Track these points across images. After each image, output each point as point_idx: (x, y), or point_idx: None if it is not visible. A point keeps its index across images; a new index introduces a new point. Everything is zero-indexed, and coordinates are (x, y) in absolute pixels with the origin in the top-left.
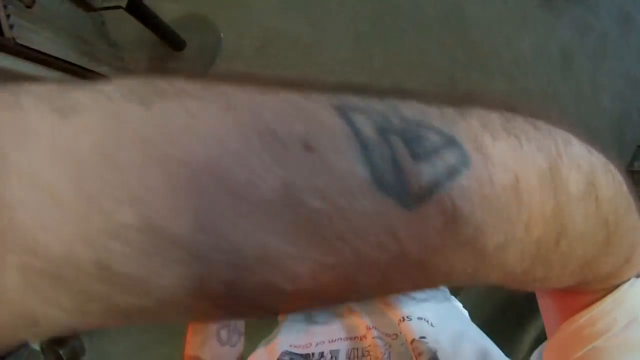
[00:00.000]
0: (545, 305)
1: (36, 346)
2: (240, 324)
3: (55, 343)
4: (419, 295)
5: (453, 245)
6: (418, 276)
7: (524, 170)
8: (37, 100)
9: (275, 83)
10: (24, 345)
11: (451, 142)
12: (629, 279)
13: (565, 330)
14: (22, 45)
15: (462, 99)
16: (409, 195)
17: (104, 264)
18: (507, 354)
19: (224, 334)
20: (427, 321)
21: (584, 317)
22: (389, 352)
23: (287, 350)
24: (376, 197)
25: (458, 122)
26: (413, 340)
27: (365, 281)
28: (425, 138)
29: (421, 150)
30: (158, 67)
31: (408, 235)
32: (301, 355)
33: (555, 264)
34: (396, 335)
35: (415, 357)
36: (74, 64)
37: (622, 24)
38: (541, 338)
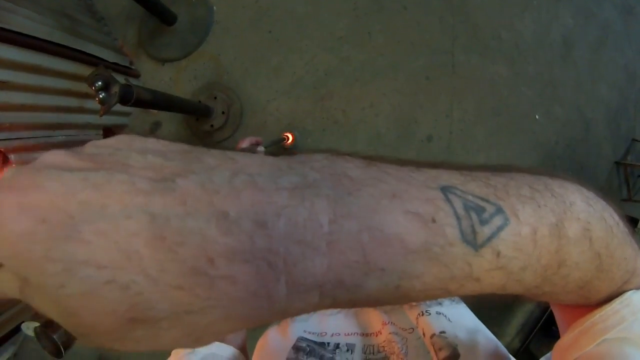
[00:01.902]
0: (558, 316)
1: (30, 332)
2: None
3: (48, 328)
4: None
5: (495, 269)
6: (475, 286)
7: (540, 225)
8: None
9: (398, 162)
10: (18, 331)
11: (499, 210)
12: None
13: (576, 328)
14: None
15: (505, 168)
16: (477, 244)
17: None
18: (494, 334)
19: None
20: (445, 316)
21: (595, 315)
22: (406, 347)
23: (303, 337)
24: (463, 246)
25: (503, 198)
26: (433, 335)
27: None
28: (487, 209)
29: (484, 218)
30: (148, 43)
31: (476, 264)
32: (317, 342)
33: (557, 283)
34: (412, 329)
35: (436, 352)
36: (59, 44)
37: (624, 16)
38: (528, 323)
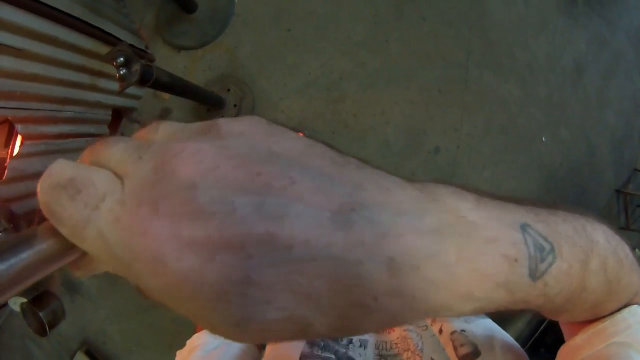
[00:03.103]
0: (566, 329)
1: (16, 307)
2: None
3: (35, 305)
4: None
5: (540, 295)
6: (521, 306)
7: (574, 261)
8: None
9: (491, 196)
10: (4, 305)
11: (552, 250)
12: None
13: (589, 330)
14: None
15: (553, 205)
16: (536, 277)
17: None
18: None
19: None
20: (463, 316)
21: (607, 320)
22: (422, 342)
23: None
24: (528, 279)
25: (556, 238)
26: (454, 332)
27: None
28: (545, 249)
29: (542, 256)
30: (165, 29)
31: (530, 292)
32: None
33: (577, 303)
34: (425, 326)
35: (456, 347)
36: (78, 18)
37: (637, 46)
38: (518, 341)
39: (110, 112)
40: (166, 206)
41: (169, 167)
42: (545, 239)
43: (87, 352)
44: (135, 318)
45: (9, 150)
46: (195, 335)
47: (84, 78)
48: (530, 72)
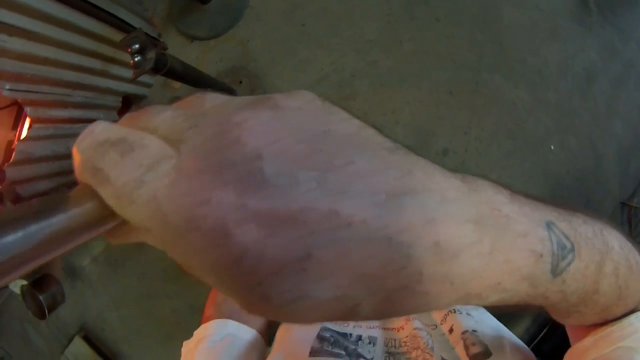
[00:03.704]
0: (572, 332)
1: (16, 289)
2: None
3: (35, 288)
4: None
5: (558, 292)
6: (540, 301)
7: (590, 262)
8: None
9: (522, 193)
10: (4, 287)
11: (572, 249)
12: None
13: (596, 334)
14: None
15: (571, 207)
16: (556, 274)
17: None
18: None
19: None
20: (473, 317)
21: (615, 325)
22: (432, 341)
23: (326, 326)
24: (549, 274)
25: (576, 238)
26: (465, 332)
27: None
28: (567, 247)
29: (563, 254)
30: (178, 18)
31: (550, 288)
32: (339, 333)
33: (589, 305)
34: (435, 326)
35: (468, 346)
36: (91, 3)
37: None
38: (534, 326)
39: (120, 99)
40: (230, 175)
41: (232, 135)
42: (567, 238)
43: (85, 338)
44: (135, 306)
45: (17, 133)
46: (203, 326)
47: (96, 64)
48: (541, 78)
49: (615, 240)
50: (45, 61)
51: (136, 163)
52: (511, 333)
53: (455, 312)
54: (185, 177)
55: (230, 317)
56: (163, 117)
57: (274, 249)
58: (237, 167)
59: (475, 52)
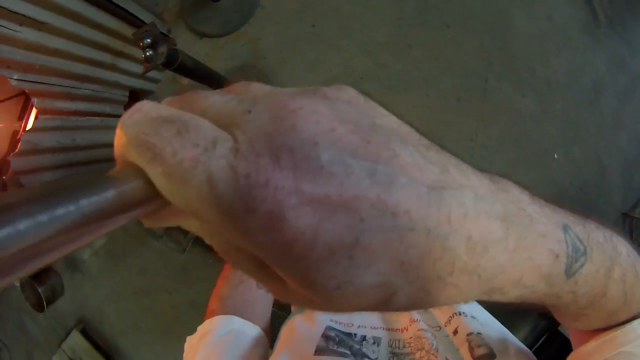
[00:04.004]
0: (576, 336)
1: (16, 282)
2: None
3: (35, 280)
4: None
5: (570, 292)
6: (552, 301)
7: (601, 267)
8: None
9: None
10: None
11: (585, 252)
12: None
13: (600, 338)
14: None
15: (584, 214)
16: (569, 274)
17: None
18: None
19: None
20: (478, 320)
21: (618, 330)
22: (436, 342)
23: (331, 326)
24: (563, 275)
25: (589, 242)
26: (470, 334)
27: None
28: (580, 250)
29: (577, 256)
30: (189, 14)
31: (563, 288)
32: (344, 333)
33: (597, 309)
34: (439, 327)
35: (472, 348)
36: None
37: None
38: (532, 334)
39: (128, 94)
40: (288, 159)
41: (289, 121)
42: (581, 242)
43: (83, 332)
44: (134, 300)
45: (23, 123)
46: (207, 321)
47: (105, 57)
48: (549, 88)
49: (623, 248)
50: (55, 52)
51: (192, 142)
52: (514, 336)
53: (460, 314)
54: (244, 160)
55: (234, 313)
56: (213, 100)
57: (326, 235)
58: (294, 152)
59: (485, 59)
